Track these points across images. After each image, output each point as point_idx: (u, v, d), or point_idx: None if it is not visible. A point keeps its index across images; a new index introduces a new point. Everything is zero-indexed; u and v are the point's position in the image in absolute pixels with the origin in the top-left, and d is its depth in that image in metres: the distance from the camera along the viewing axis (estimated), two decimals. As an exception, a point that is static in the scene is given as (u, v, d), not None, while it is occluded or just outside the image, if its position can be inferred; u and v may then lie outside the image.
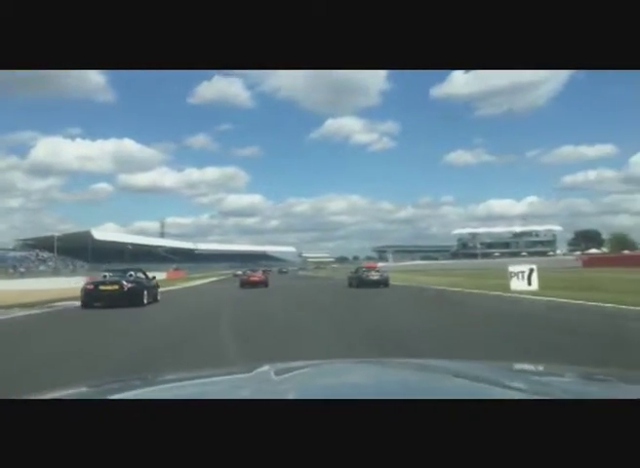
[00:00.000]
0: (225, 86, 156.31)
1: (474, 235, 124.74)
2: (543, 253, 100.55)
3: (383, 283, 23.36)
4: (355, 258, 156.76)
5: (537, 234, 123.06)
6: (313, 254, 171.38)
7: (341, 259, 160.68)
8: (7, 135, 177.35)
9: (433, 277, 30.93)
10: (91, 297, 14.44)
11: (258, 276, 28.33)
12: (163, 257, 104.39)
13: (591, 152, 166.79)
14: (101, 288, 14.63)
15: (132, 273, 16.17)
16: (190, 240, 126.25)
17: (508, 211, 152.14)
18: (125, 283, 14.75)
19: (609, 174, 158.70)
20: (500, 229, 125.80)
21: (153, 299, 16.09)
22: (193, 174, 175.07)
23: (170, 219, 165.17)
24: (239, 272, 40.81)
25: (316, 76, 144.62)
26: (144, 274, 17.03)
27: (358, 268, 27.30)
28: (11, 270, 46.79)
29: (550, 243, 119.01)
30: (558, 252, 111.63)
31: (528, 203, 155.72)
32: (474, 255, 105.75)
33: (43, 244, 72.69)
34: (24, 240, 77.50)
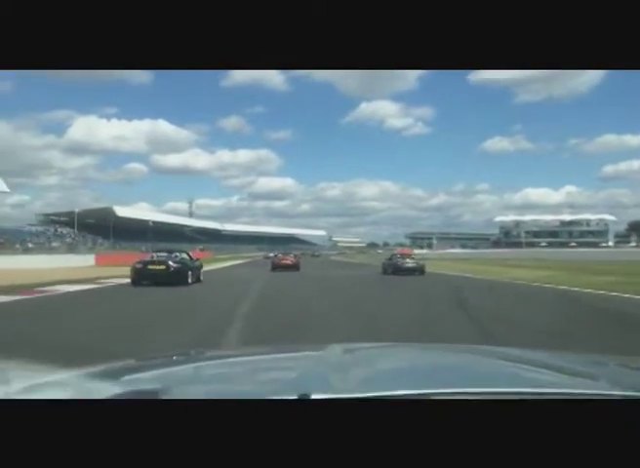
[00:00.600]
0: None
1: (518, 223, 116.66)
2: (595, 245, 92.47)
3: (419, 270, 22.56)
4: (385, 244, 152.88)
5: (587, 223, 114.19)
6: (344, 239, 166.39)
7: (372, 245, 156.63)
8: (45, 113, 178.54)
9: (515, 269, 24.75)
10: (140, 276, 15.04)
11: (289, 259, 28.37)
12: (190, 237, 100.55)
13: (635, 141, 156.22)
14: (150, 267, 15.23)
15: (177, 254, 16.80)
16: (219, 221, 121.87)
17: (546, 200, 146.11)
18: (171, 263, 15.37)
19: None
20: (546, 217, 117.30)
21: (196, 280, 16.49)
22: (225, 155, 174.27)
23: (200, 201, 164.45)
24: (271, 254, 39.43)
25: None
26: (189, 255, 17.43)
27: (393, 255, 26.71)
28: (17, 245, 42.62)
29: (602, 233, 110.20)
30: (610, 243, 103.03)
31: (566, 192, 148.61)
32: (518, 244, 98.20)
33: (65, 219, 69.15)
34: (47, 215, 73.92)
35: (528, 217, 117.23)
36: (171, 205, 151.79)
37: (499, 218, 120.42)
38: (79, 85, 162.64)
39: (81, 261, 31.95)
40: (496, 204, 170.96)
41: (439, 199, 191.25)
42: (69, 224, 65.98)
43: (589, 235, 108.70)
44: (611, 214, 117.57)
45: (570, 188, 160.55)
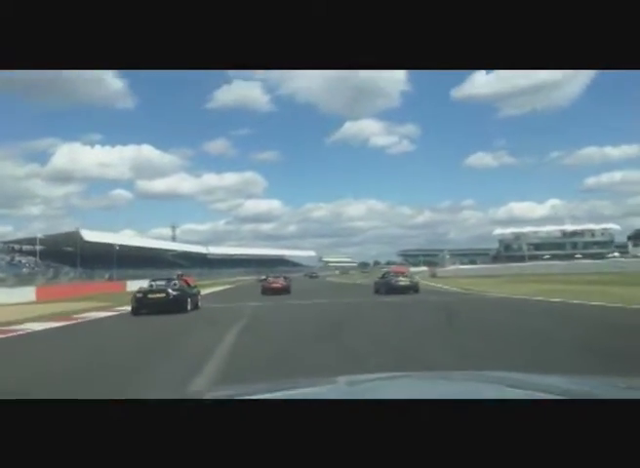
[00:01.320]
0: (244, 90, 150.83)
1: (518, 235, 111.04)
2: (601, 256, 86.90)
3: (413, 289, 21.77)
4: (376, 263, 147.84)
5: (592, 234, 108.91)
6: (335, 259, 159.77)
7: (363, 265, 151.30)
8: (28, 141, 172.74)
9: (611, 287, 18.24)
10: (140, 304, 15.34)
11: (279, 283, 27.44)
12: (171, 262, 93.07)
13: (616, 153, 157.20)
14: (150, 296, 15.55)
15: (175, 282, 16.83)
16: (203, 244, 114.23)
17: (530, 213, 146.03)
18: (171, 291, 15.63)
19: (634, 175, 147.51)
20: (548, 228, 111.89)
21: (195, 307, 16.70)
22: (211, 179, 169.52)
23: (186, 226, 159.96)
24: (263, 277, 37.90)
25: (335, 78, 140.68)
26: (186, 282, 17.99)
27: (385, 273, 25.87)
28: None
29: (607, 243, 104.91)
30: (616, 254, 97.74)
31: (550, 205, 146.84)
32: (520, 258, 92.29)
33: (29, 248, 61.54)
34: (6, 242, 65.93)
35: (527, 229, 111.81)
36: (157, 231, 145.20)
37: (497, 231, 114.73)
38: (62, 112, 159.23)
39: (17, 296, 24.68)
40: (481, 219, 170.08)
41: (425, 216, 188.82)
42: (33, 253, 58.45)
43: (594, 246, 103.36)
44: (616, 223, 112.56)
45: (554, 201, 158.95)
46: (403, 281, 22.34)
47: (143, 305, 15.24)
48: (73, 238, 59.45)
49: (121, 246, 64.53)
